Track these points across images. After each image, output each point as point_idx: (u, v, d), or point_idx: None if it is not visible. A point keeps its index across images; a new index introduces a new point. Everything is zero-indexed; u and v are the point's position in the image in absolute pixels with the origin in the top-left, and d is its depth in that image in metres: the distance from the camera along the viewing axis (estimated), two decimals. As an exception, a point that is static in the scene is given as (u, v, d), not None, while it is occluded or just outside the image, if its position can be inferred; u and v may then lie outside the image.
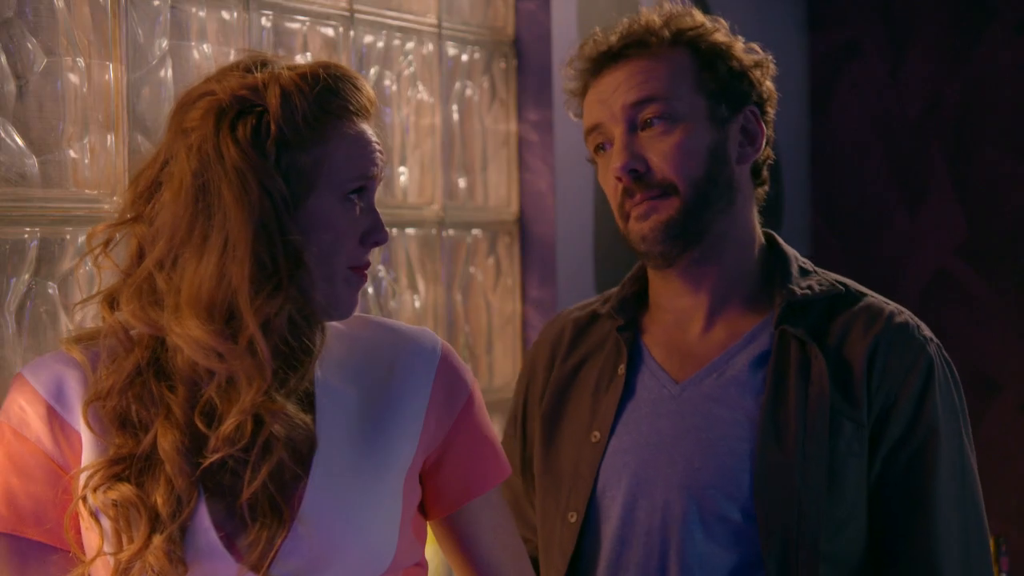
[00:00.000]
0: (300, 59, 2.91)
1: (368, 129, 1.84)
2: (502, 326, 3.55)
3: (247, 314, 1.74)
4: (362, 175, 1.82)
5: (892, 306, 2.24)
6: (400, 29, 3.22)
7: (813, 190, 4.86)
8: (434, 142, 3.32)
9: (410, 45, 3.26)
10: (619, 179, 2.20)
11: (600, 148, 2.24)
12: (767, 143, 2.26)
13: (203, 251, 1.76)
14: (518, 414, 2.39)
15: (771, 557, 2.12)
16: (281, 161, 1.78)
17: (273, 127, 1.77)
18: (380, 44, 3.16)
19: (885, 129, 4.76)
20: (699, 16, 2.27)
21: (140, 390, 1.79)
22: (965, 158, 4.66)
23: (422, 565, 1.94)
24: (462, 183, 3.43)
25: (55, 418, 1.82)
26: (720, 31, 2.27)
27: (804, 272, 2.26)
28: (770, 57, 2.29)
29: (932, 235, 4.70)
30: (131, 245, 1.82)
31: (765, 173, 2.28)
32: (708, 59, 2.22)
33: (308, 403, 1.86)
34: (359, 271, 1.84)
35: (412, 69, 3.26)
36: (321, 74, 1.81)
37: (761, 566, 2.13)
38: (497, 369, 3.55)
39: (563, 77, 2.31)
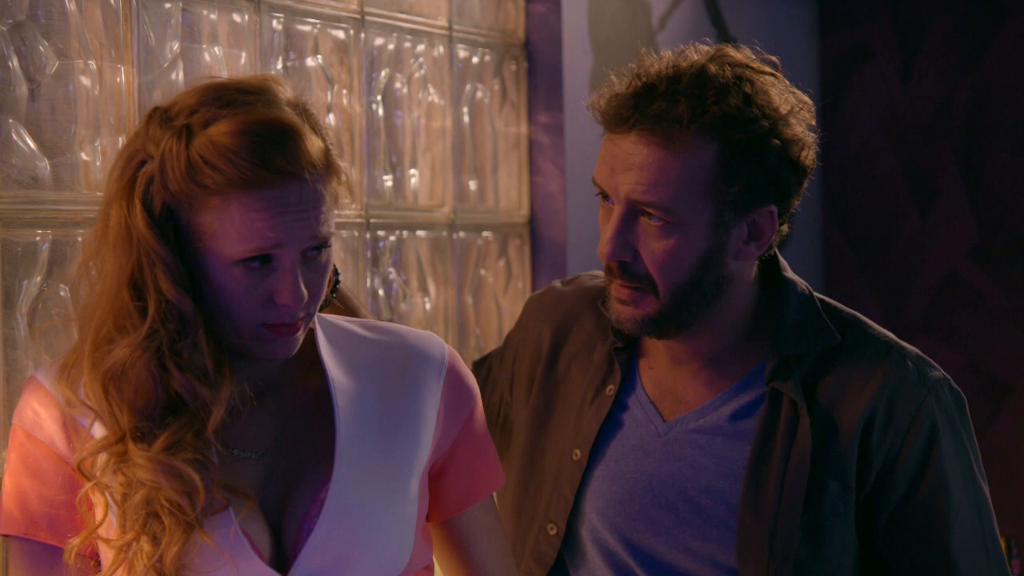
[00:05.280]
0: (311, 62, 2.92)
1: (279, 194, 1.75)
2: (512, 329, 3.54)
3: (86, 359, 1.77)
4: (253, 247, 1.76)
5: (894, 353, 2.16)
6: (411, 31, 3.22)
7: (824, 194, 4.86)
8: (445, 144, 3.32)
9: (421, 47, 3.26)
10: (602, 258, 2.13)
11: (605, 197, 2.14)
12: (780, 236, 2.15)
13: (95, 282, 1.80)
14: (508, 364, 2.37)
15: None
16: (172, 219, 1.77)
17: (156, 190, 1.76)
18: (391, 46, 3.17)
19: (896, 132, 4.76)
20: (747, 84, 2.08)
21: None
22: (976, 161, 4.66)
23: (430, 568, 1.96)
24: (473, 185, 3.43)
25: (69, 420, 1.82)
26: (766, 108, 2.08)
27: (803, 313, 2.18)
28: (810, 114, 2.14)
29: (943, 238, 4.69)
30: None
31: (785, 229, 2.17)
32: (735, 156, 2.06)
33: (321, 401, 1.86)
34: (273, 328, 1.80)
35: (423, 72, 3.26)
36: (213, 143, 1.74)
37: None
38: (507, 371, 3.55)
39: (595, 94, 2.16)
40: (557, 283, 2.41)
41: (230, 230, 1.75)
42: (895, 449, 2.12)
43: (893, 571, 2.15)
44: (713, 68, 2.08)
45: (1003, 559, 2.19)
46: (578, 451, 2.21)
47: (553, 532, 2.21)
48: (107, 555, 1.80)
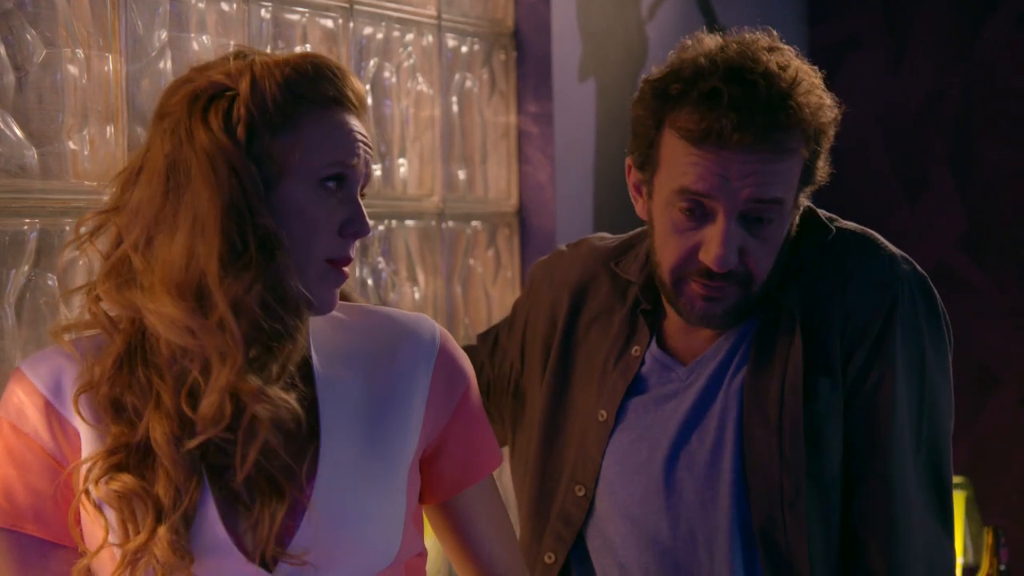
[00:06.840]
0: (299, 50, 2.91)
1: (351, 120, 1.83)
2: (502, 318, 3.54)
3: (216, 291, 1.73)
4: (338, 162, 1.81)
5: (868, 244, 2.24)
6: (400, 21, 3.22)
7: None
8: (434, 134, 3.32)
9: (409, 37, 3.26)
10: (713, 268, 2.13)
11: (690, 212, 2.13)
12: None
13: (174, 230, 1.75)
14: (518, 333, 2.40)
15: (760, 527, 2.15)
16: (253, 145, 1.77)
17: (243, 111, 1.76)
18: (380, 36, 3.16)
19: (886, 122, 4.76)
20: (819, 84, 2.19)
21: (129, 378, 1.79)
22: (966, 151, 4.66)
23: (422, 555, 1.95)
24: (462, 175, 3.43)
25: (53, 413, 1.81)
26: (827, 94, 2.21)
27: (802, 232, 2.25)
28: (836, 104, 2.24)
29: (932, 227, 4.69)
30: (111, 234, 1.82)
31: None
32: (817, 149, 2.19)
33: (307, 395, 1.85)
34: (337, 265, 1.82)
35: (412, 61, 3.26)
36: (299, 62, 1.80)
37: (753, 536, 2.17)
38: (496, 361, 3.55)
39: (642, 92, 2.18)
40: (563, 247, 2.43)
41: (318, 145, 1.79)
42: (856, 338, 2.18)
43: (846, 463, 2.18)
44: (797, 62, 2.17)
45: (946, 464, 2.22)
46: (604, 412, 2.25)
47: (581, 493, 2.25)
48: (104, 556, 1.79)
